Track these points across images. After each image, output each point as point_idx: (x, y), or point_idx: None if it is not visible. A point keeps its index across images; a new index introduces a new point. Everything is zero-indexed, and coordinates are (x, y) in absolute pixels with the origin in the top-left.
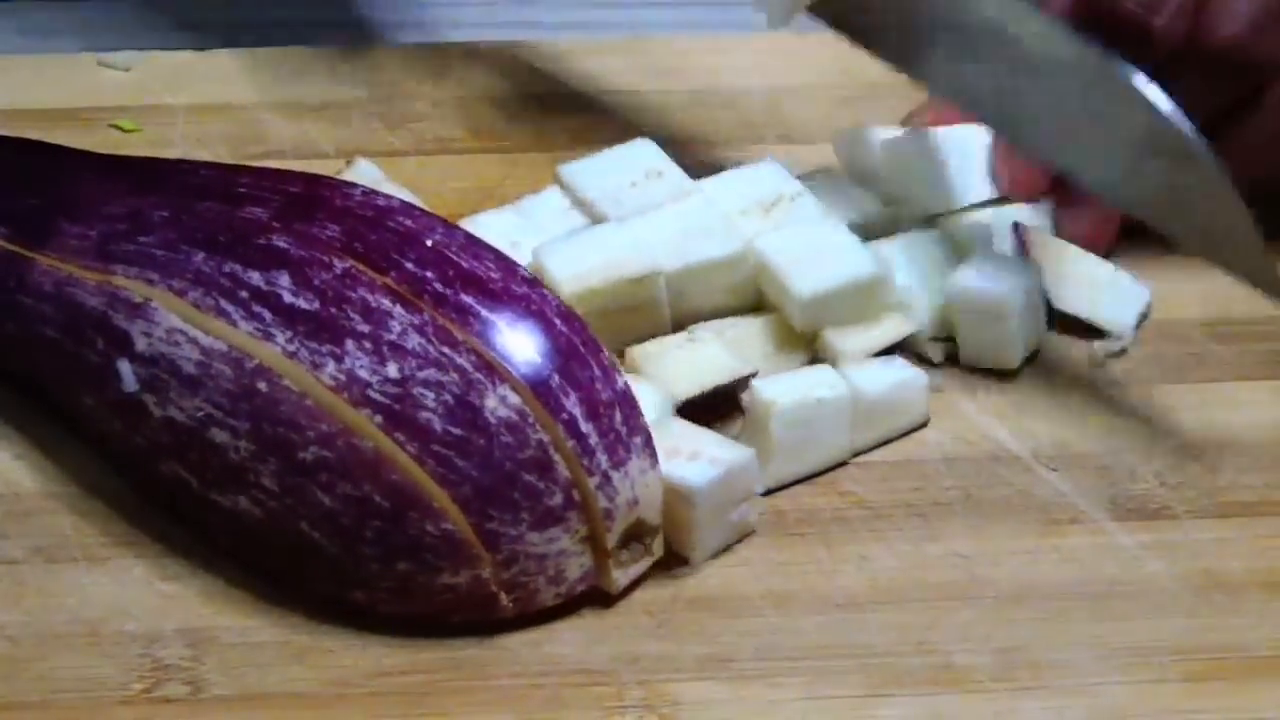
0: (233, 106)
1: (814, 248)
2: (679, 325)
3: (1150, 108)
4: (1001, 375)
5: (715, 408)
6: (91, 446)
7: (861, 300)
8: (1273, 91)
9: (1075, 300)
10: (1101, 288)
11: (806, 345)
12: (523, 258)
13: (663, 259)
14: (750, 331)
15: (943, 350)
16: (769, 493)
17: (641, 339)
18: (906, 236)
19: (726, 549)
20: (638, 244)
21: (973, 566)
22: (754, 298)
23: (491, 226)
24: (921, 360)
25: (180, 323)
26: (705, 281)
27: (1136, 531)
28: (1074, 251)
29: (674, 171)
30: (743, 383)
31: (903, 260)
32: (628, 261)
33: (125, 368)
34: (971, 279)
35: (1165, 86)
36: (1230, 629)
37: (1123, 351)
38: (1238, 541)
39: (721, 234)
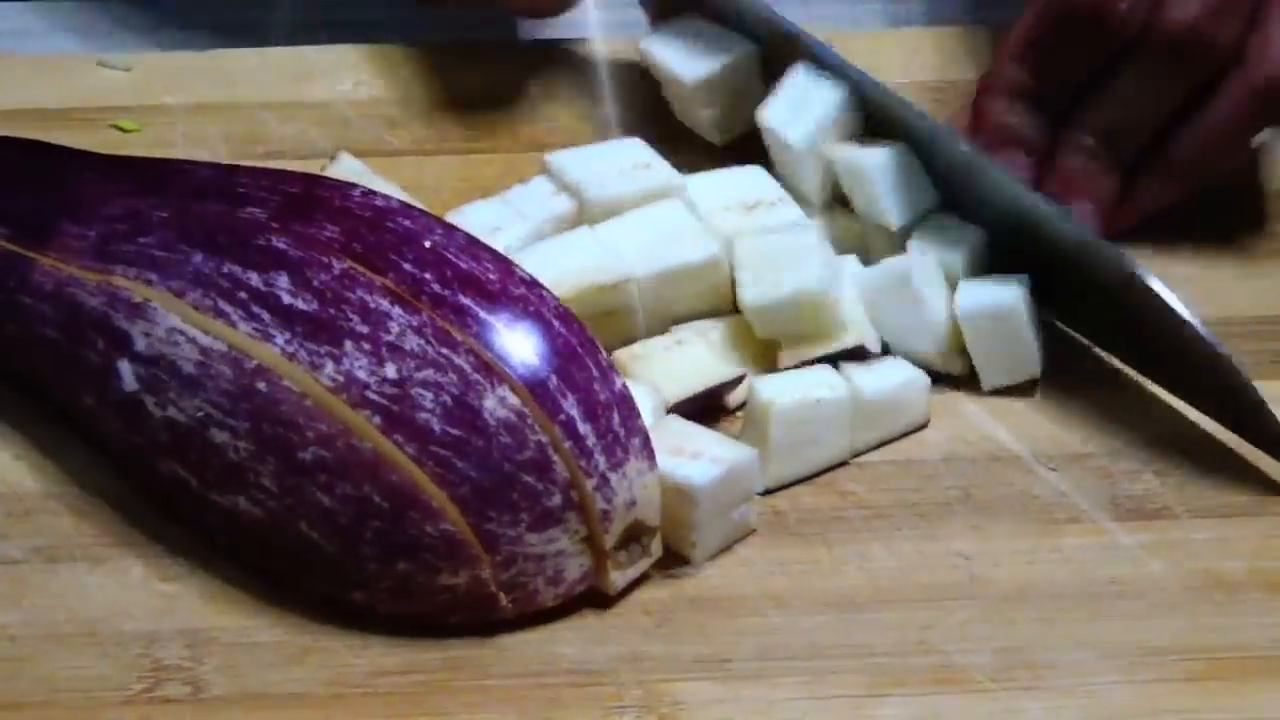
0: (233, 106)
1: (779, 256)
2: (653, 330)
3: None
4: None
5: (701, 410)
6: (91, 447)
7: (809, 314)
8: (1231, 79)
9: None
10: None
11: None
12: (500, 244)
13: (636, 264)
14: (735, 333)
15: (962, 362)
16: (769, 492)
17: (614, 344)
18: (924, 256)
19: (726, 549)
20: (610, 250)
21: (973, 566)
22: (728, 302)
23: (475, 216)
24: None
25: (180, 323)
26: (679, 286)
27: (1137, 531)
28: None
29: (662, 166)
30: (729, 385)
31: (923, 274)
32: (600, 268)
33: (125, 367)
34: (977, 297)
35: (1125, 76)
36: (1230, 629)
37: None
38: (1238, 541)
39: (696, 238)
